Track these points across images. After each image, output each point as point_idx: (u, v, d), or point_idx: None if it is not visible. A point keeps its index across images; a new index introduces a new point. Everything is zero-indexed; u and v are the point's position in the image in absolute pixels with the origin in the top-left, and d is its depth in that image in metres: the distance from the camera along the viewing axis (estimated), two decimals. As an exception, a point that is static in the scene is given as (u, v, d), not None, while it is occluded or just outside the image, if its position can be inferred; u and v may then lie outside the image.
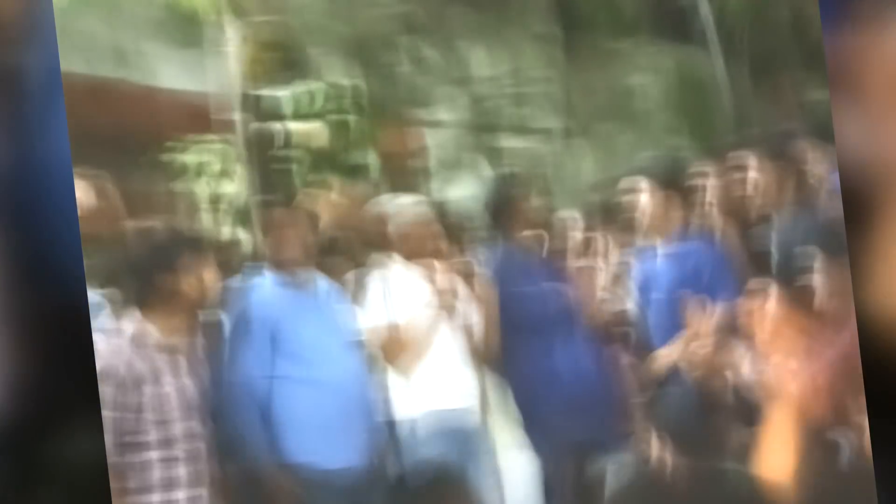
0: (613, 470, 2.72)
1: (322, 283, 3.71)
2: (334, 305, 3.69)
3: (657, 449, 2.93)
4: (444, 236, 4.31)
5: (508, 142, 12.61)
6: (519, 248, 4.13)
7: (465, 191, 10.63)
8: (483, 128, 11.77)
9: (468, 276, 4.26)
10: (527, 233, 4.14)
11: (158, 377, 3.06)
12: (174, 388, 3.09)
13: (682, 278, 3.96)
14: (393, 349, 3.73)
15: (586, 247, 4.85)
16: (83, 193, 3.98)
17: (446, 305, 3.80)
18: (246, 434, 3.33)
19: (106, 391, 2.94)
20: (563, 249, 4.32)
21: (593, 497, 2.83)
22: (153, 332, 3.12)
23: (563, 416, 3.83)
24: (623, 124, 12.65)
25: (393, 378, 3.76)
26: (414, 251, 3.88)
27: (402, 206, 3.98)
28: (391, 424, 3.74)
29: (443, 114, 12.18)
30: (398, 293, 3.80)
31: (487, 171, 12.00)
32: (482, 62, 12.08)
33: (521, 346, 4.00)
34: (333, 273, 3.95)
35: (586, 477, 3.01)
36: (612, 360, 4.23)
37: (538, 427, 3.95)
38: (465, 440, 3.75)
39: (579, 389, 3.90)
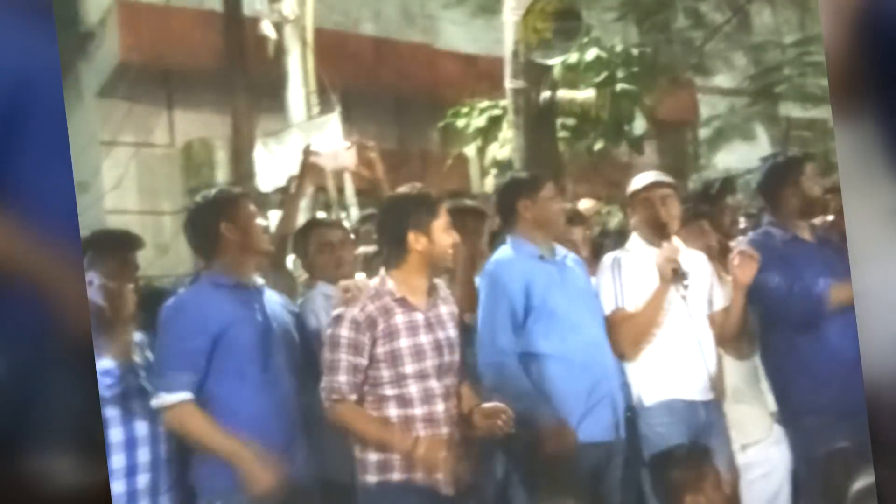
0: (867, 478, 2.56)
1: (568, 256, 3.71)
2: (579, 280, 3.69)
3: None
4: (698, 215, 4.19)
5: (791, 111, 11.93)
6: (790, 232, 3.90)
7: (739, 163, 10.22)
8: (764, 96, 11.19)
9: (720, 257, 4.12)
10: (801, 217, 3.90)
11: (394, 334, 3.18)
12: (411, 345, 3.19)
13: None
14: (624, 331, 3.69)
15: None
16: (350, 158, 4.23)
17: (663, 283, 3.67)
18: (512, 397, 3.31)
19: (342, 334, 3.15)
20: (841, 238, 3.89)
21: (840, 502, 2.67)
22: (393, 289, 3.23)
23: (819, 414, 3.61)
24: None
25: (632, 361, 3.72)
26: (651, 231, 3.78)
27: (643, 182, 3.83)
28: (632, 407, 3.69)
29: (722, 81, 11.71)
30: (636, 274, 3.74)
31: (765, 144, 11.45)
32: (766, 25, 11.44)
33: (777, 335, 3.81)
34: (577, 247, 3.95)
35: (839, 482, 2.83)
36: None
37: (789, 422, 3.78)
38: (697, 430, 3.65)
39: (841, 390, 3.54)
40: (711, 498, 3.28)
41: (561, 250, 3.70)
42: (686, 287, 3.68)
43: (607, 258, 3.83)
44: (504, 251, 3.65)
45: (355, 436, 3.20)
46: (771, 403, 3.87)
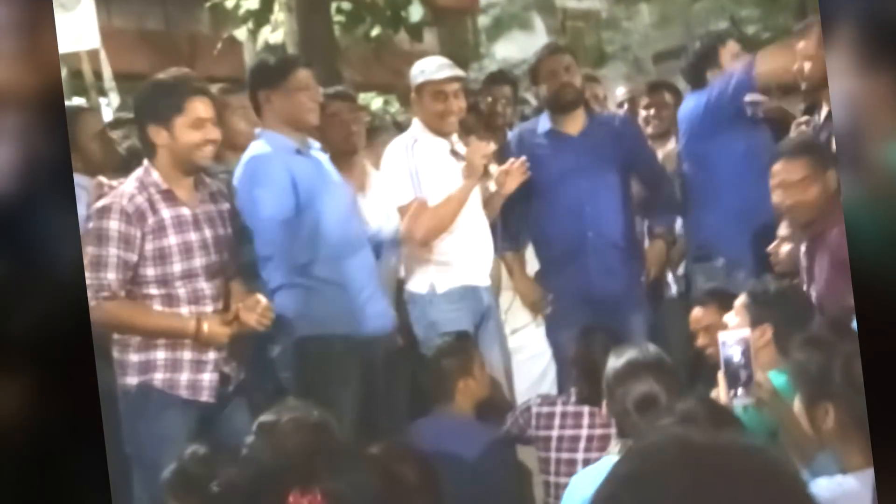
0: (620, 354, 2.68)
1: (313, 148, 3.48)
2: (332, 173, 3.48)
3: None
4: (480, 106, 4.18)
5: (566, 2, 12.14)
6: (550, 125, 3.89)
7: (519, 53, 10.31)
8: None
9: (498, 150, 4.09)
10: (557, 108, 3.85)
11: (163, 230, 2.99)
12: (180, 242, 3.02)
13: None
14: (415, 220, 3.62)
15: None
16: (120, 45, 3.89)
17: (472, 179, 3.65)
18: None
19: (112, 227, 2.94)
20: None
21: (597, 378, 2.79)
22: (158, 180, 3.03)
23: (584, 300, 3.73)
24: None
25: (414, 250, 3.68)
26: (435, 123, 3.69)
27: (427, 73, 3.70)
28: (409, 295, 3.69)
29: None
30: (422, 163, 3.66)
31: (542, 34, 11.58)
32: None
33: (553, 226, 3.85)
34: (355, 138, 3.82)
35: (595, 360, 2.97)
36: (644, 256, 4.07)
37: (557, 308, 3.85)
38: (480, 315, 3.70)
39: (606, 276, 3.77)
40: (479, 380, 3.40)
41: (312, 143, 3.46)
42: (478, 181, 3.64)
43: (398, 144, 3.71)
44: (259, 146, 3.33)
45: (132, 331, 3.00)
46: (537, 290, 3.93)
